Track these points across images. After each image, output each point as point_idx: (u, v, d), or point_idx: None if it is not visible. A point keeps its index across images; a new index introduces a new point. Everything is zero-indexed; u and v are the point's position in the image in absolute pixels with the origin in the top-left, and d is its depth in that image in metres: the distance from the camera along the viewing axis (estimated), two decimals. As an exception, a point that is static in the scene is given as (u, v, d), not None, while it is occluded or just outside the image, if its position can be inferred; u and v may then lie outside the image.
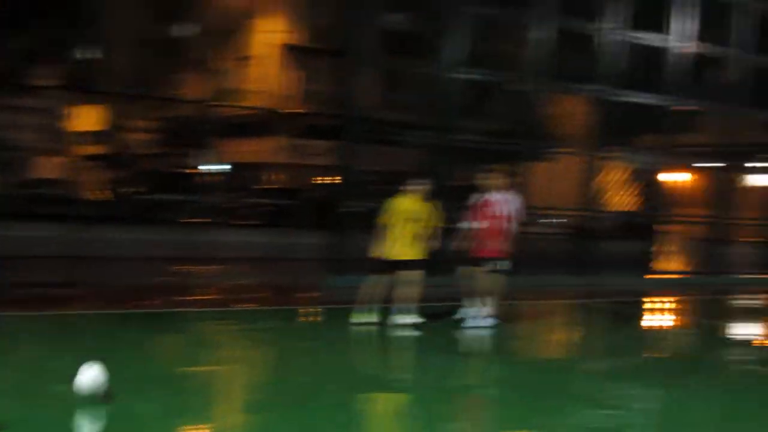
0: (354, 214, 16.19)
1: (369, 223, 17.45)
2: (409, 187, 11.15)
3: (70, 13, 23.64)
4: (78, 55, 27.14)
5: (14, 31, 23.78)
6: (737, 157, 22.20)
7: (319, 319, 13.36)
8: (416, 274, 10.25)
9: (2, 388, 6.53)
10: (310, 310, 13.82)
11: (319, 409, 6.89)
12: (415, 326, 10.19)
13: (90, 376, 5.79)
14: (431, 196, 10.73)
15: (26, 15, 22.90)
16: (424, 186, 11.28)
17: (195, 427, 6.12)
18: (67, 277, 13.38)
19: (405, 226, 10.69)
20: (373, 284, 10.23)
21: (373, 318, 10.17)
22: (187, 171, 29.95)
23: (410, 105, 28.25)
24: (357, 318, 10.20)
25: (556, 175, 21.34)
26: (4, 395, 6.29)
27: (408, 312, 10.27)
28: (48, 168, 27.79)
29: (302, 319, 13.21)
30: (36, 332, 9.78)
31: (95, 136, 30.58)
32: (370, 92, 21.16)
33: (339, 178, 17.39)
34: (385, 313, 10.31)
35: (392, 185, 16.79)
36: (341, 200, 16.31)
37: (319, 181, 31.20)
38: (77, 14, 24.54)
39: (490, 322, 10.87)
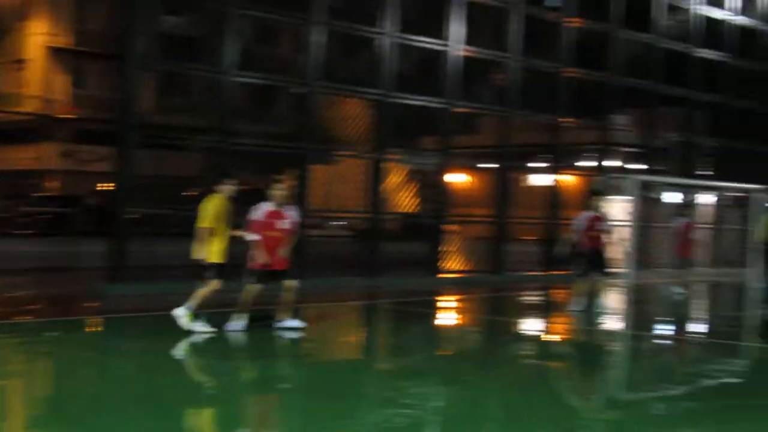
0: (134, 221, 16.48)
1: (150, 229, 18.35)
2: (221, 187, 11.32)
3: None
4: None
5: None
6: (515, 157, 23.10)
7: (99, 329, 12.97)
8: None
9: None
10: (90, 320, 13.53)
11: (99, 423, 6.91)
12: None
13: None
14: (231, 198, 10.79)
15: None
16: (231, 186, 11.49)
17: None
18: None
19: (226, 228, 11.00)
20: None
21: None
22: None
23: (190, 109, 28.61)
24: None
25: (339, 177, 21.74)
26: None
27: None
28: None
29: (81, 329, 12.70)
30: None
31: None
32: (147, 96, 21.61)
33: (117, 184, 16.90)
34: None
35: (174, 189, 17.73)
36: (120, 207, 16.09)
37: (98, 188, 30.93)
38: None
39: (294, 324, 11.29)
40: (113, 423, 6.97)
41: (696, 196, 26.71)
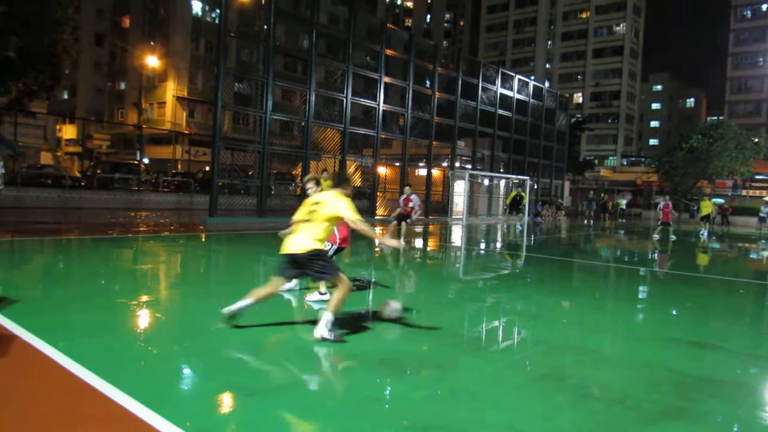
0: (220, 186, 16.47)
1: (228, 191, 17.54)
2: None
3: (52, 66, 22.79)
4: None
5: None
6: (410, 160, 23.19)
7: (205, 239, 12.37)
8: None
9: None
10: (201, 234, 13.09)
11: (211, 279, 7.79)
12: None
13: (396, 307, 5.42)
14: None
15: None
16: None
17: None
18: None
19: None
20: None
21: None
22: None
23: (248, 131, 27.36)
24: None
25: (323, 168, 20.59)
26: None
27: None
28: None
29: (198, 238, 12.29)
30: None
31: None
32: (227, 123, 19.95)
33: (211, 167, 16.73)
34: None
35: (240, 172, 18.32)
36: (214, 179, 16.30)
37: (203, 169, 29.69)
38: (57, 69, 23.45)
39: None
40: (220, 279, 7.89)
41: (498, 180, 28.90)
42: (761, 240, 23.29)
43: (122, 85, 52.36)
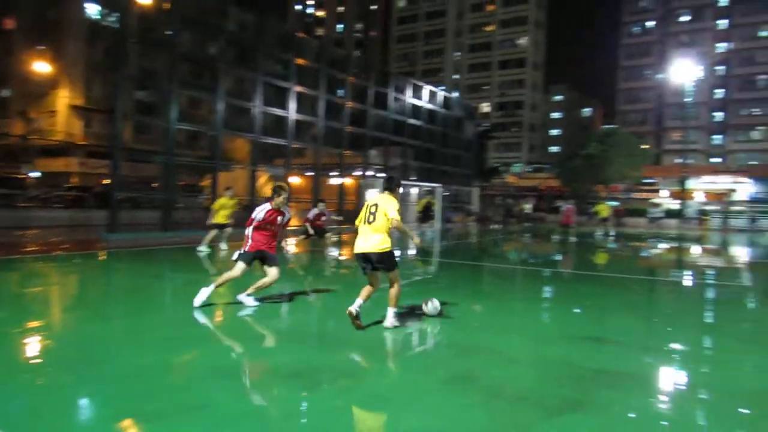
0: (120, 200, 15.73)
1: (129, 205, 17.03)
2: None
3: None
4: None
5: None
6: (322, 169, 23.24)
7: (104, 257, 11.77)
8: None
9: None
10: (99, 252, 12.39)
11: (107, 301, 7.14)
12: None
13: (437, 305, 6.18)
14: None
15: None
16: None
17: None
18: None
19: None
20: None
21: None
22: None
23: (152, 141, 24.14)
24: None
25: (234, 179, 21.43)
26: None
27: None
28: None
29: (95, 257, 11.63)
30: None
31: None
32: (127, 133, 17.93)
33: (111, 180, 16.05)
34: None
35: (142, 184, 17.48)
36: (113, 192, 15.61)
37: (101, 182, 28.81)
38: None
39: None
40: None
41: (409, 189, 28.82)
42: (650, 239, 25.00)
43: (5, 93, 48.08)
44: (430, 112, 32.05)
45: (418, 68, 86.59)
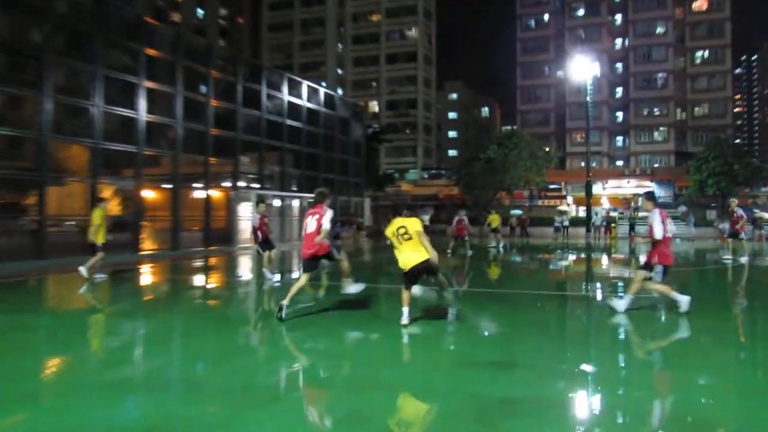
0: None
1: None
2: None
3: None
4: None
5: None
6: (183, 180, 23.11)
7: None
8: None
9: None
10: None
11: None
12: None
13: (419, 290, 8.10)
14: None
15: None
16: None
17: None
18: None
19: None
20: None
21: None
22: None
23: None
24: None
25: (69, 194, 20.61)
26: None
27: None
28: None
29: None
30: None
31: None
32: None
33: None
34: None
35: None
36: None
37: None
38: None
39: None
40: None
41: (290, 201, 29.00)
42: (557, 250, 26.57)
43: None
44: (311, 111, 32.48)
45: (296, 61, 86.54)
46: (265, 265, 13.71)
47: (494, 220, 26.67)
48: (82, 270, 12.84)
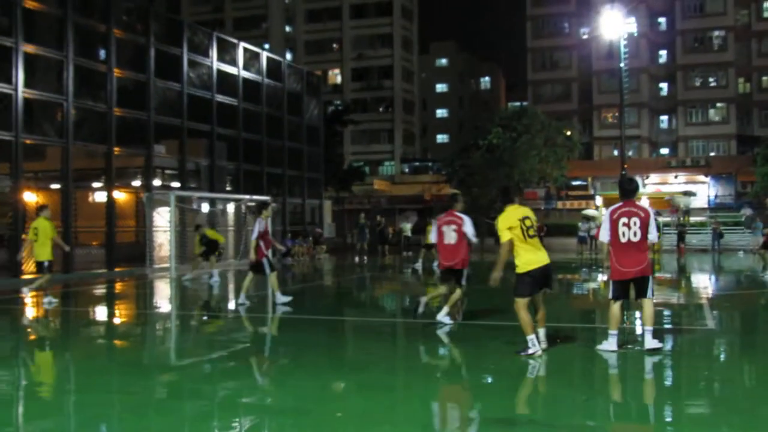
0: None
1: None
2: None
3: None
4: None
5: None
6: (77, 179, 23.38)
7: None
8: None
9: None
10: None
11: None
12: None
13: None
14: None
15: None
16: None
17: None
18: None
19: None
20: None
21: None
22: None
23: None
24: None
25: None
26: None
27: None
28: None
29: None
30: None
31: None
32: None
33: None
34: None
35: None
36: None
37: None
38: None
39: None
40: None
41: (223, 204, 28.89)
42: (582, 268, 26.87)
43: None
44: (250, 83, 32.59)
45: (228, 16, 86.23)
46: (246, 289, 14.44)
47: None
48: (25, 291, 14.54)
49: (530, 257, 8.25)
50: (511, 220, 8.28)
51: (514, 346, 8.69)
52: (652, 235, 8.57)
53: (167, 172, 28.45)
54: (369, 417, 6.44)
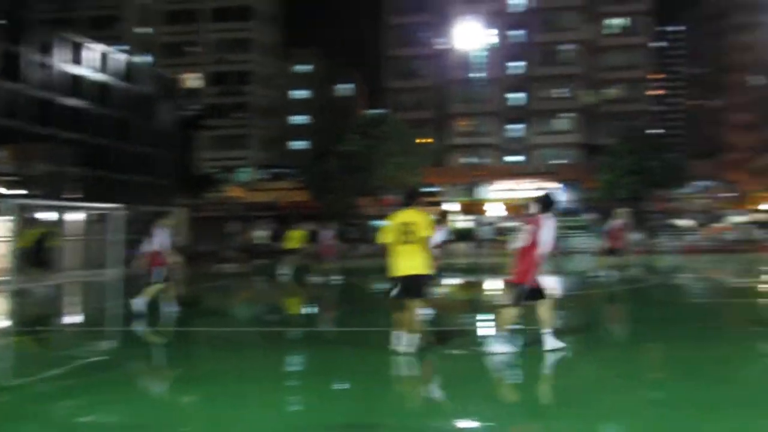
0: None
1: None
2: None
3: None
4: None
5: None
6: None
7: None
8: None
9: None
10: None
11: None
12: None
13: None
14: None
15: None
16: None
17: None
18: None
19: None
20: None
21: None
22: None
23: None
24: None
25: None
26: None
27: None
28: None
29: None
30: None
31: None
32: None
33: None
34: None
35: None
36: None
37: None
38: None
39: None
40: None
41: (67, 214, 27.76)
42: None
43: None
44: (101, 86, 32.26)
45: (79, 14, 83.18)
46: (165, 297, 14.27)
47: (294, 237, 23.90)
48: None
49: (399, 263, 8.52)
50: (393, 222, 8.66)
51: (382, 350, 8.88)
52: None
53: (5, 178, 27.03)
54: (214, 429, 6.34)
